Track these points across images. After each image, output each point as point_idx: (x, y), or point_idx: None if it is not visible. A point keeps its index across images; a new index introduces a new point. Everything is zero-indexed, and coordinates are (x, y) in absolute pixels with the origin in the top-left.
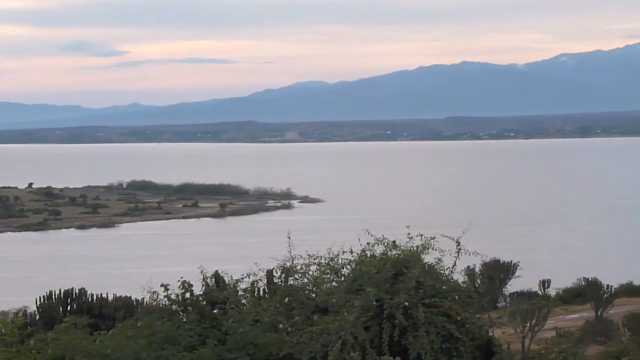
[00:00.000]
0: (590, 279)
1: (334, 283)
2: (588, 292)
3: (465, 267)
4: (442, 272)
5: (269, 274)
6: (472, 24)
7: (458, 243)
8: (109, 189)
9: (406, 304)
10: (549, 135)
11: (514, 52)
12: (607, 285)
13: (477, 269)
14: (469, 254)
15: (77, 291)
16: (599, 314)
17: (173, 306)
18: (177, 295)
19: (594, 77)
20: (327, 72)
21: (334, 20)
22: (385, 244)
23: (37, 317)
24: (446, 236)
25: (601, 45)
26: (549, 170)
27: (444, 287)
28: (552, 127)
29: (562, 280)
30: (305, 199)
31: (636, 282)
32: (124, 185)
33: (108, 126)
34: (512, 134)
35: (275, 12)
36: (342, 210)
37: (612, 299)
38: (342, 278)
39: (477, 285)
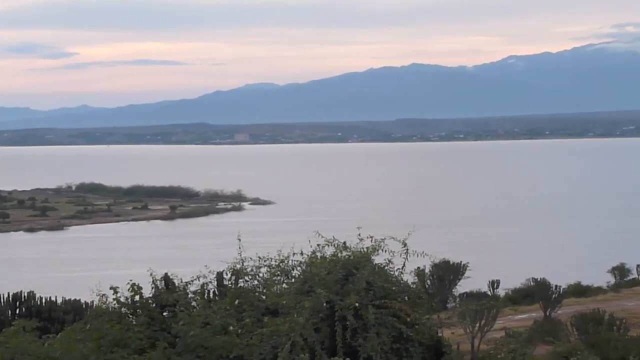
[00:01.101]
0: (538, 280)
1: (284, 285)
2: (537, 292)
3: (415, 268)
4: (392, 273)
5: (219, 276)
6: (421, 26)
7: (405, 244)
8: (58, 191)
9: (356, 305)
10: (497, 136)
11: (463, 54)
12: (556, 286)
13: (427, 270)
14: (418, 255)
15: (25, 294)
16: (547, 314)
17: (122, 309)
18: (127, 298)
19: (542, 79)
20: (278, 73)
21: (284, 22)
22: (336, 246)
23: None
24: (393, 238)
25: (549, 47)
26: (497, 172)
27: (393, 288)
28: (500, 128)
29: (511, 281)
30: (256, 201)
31: (584, 283)
32: (73, 188)
33: (57, 128)
34: (461, 136)
35: (226, 14)
36: (293, 212)
37: (560, 299)
38: (293, 280)
39: (427, 286)
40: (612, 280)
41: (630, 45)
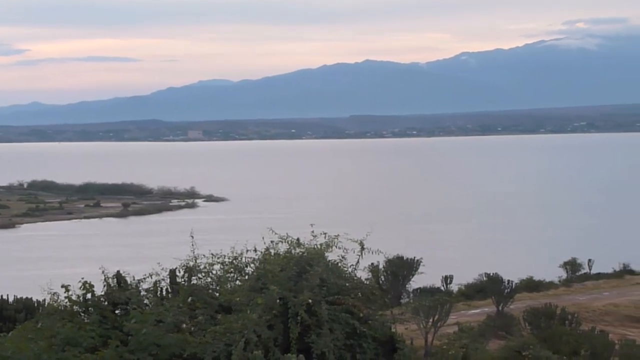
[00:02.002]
0: (491, 275)
1: (237, 282)
2: (489, 287)
3: (370, 264)
4: (346, 269)
5: (172, 273)
6: (375, 23)
7: (361, 243)
8: (9, 189)
9: (310, 301)
10: (450, 133)
11: (417, 51)
12: (508, 281)
13: (380, 266)
14: (372, 252)
15: None
16: (500, 308)
17: (74, 307)
18: (78, 297)
19: (494, 76)
20: (231, 70)
21: (238, 18)
22: (289, 242)
23: None
24: (348, 237)
25: (501, 44)
26: (451, 169)
27: (347, 285)
28: (453, 125)
29: (464, 276)
30: (210, 198)
31: (536, 277)
32: (25, 186)
33: (8, 125)
34: (414, 132)
35: (179, 10)
36: (247, 209)
37: (512, 294)
38: (246, 277)
39: (380, 282)
40: (564, 275)
41: (581, 42)
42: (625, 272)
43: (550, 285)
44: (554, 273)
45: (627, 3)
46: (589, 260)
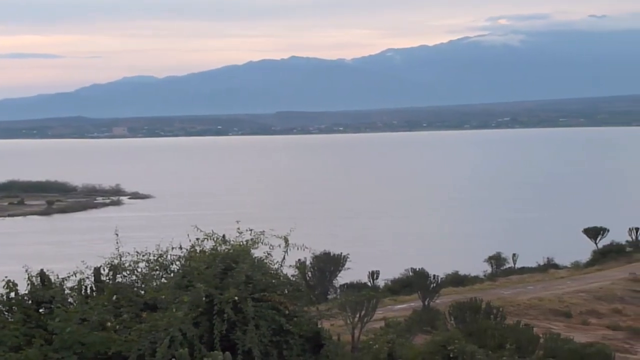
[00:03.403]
0: (417, 270)
1: (163, 280)
2: (415, 282)
3: (296, 260)
4: (272, 266)
5: (97, 271)
6: (300, 19)
7: (286, 239)
8: None
9: (236, 298)
10: (377, 129)
11: (342, 47)
12: (434, 276)
13: (308, 262)
14: (298, 248)
15: None
16: (426, 303)
17: None
18: (2, 295)
19: (419, 72)
20: (156, 66)
21: (163, 15)
22: (215, 239)
23: None
24: (274, 233)
25: (426, 40)
26: (377, 164)
27: (273, 281)
28: (379, 121)
29: (391, 272)
30: (135, 195)
31: (462, 272)
32: None
33: None
34: (341, 128)
35: (103, 6)
36: (173, 206)
37: (438, 289)
38: (172, 274)
39: (308, 278)
40: (489, 270)
41: (504, 38)
42: (550, 266)
43: (475, 279)
44: (479, 267)
45: None
46: (514, 255)
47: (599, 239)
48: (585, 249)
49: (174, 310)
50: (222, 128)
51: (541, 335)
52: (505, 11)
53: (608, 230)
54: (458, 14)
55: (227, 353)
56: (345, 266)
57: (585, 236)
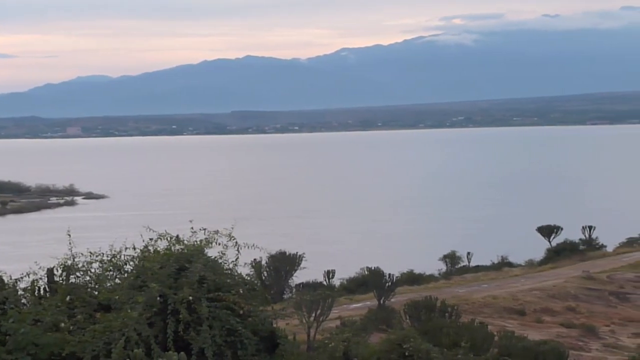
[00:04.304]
0: (373, 269)
1: (117, 280)
2: (371, 281)
3: (252, 260)
4: (226, 265)
5: (50, 272)
6: (255, 19)
7: (233, 238)
8: None
9: (190, 298)
10: (332, 128)
11: (297, 47)
12: (389, 274)
13: (263, 262)
14: (252, 248)
15: None
16: (381, 302)
17: None
18: None
19: (374, 72)
20: (110, 66)
21: (116, 14)
22: (169, 239)
23: None
24: (228, 232)
25: (381, 40)
26: (332, 164)
27: (227, 281)
28: (334, 120)
29: (347, 271)
30: (89, 195)
31: (417, 271)
32: None
33: None
34: (296, 128)
35: (56, 5)
36: (127, 206)
37: (393, 288)
38: (126, 275)
39: (263, 277)
40: (444, 268)
41: (458, 38)
42: (504, 264)
43: (430, 278)
44: (434, 266)
45: None
46: (468, 253)
47: (552, 237)
48: (539, 248)
49: (129, 310)
50: (177, 128)
51: (496, 333)
52: (459, 11)
53: (562, 229)
54: (412, 14)
55: (182, 353)
56: (301, 265)
57: (539, 234)
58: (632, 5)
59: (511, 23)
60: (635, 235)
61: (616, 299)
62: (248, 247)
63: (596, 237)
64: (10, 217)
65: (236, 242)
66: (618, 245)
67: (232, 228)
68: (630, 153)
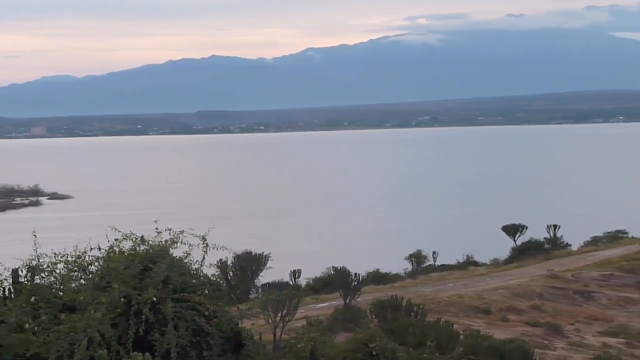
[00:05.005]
0: (339, 268)
1: (81, 281)
2: (337, 280)
3: (218, 260)
4: (191, 266)
5: (14, 273)
6: (221, 18)
7: (204, 239)
8: None
9: (154, 299)
10: (298, 128)
11: (263, 46)
12: (355, 274)
13: (229, 262)
14: (217, 248)
15: None
16: (347, 302)
17: None
18: None
19: (340, 71)
20: (75, 66)
21: (81, 14)
22: (134, 240)
23: None
24: (193, 232)
25: (346, 39)
26: (298, 163)
27: (193, 281)
28: (300, 120)
29: (313, 270)
30: (54, 196)
31: (383, 270)
32: None
33: None
34: (262, 128)
35: (20, 5)
36: (92, 207)
37: (359, 287)
38: (90, 275)
39: (229, 277)
40: (410, 267)
41: (423, 37)
42: (469, 263)
43: (396, 277)
44: (400, 265)
45: None
46: (434, 252)
47: (517, 236)
48: (504, 246)
49: (93, 311)
50: (142, 127)
51: (461, 332)
52: (423, 11)
53: (527, 228)
54: (377, 14)
55: (147, 354)
56: (267, 265)
57: (504, 233)
58: (595, 5)
59: (476, 23)
60: (600, 234)
61: (581, 297)
62: (215, 247)
63: (561, 236)
64: None
65: (205, 242)
66: (583, 244)
67: (209, 230)
68: (594, 152)
